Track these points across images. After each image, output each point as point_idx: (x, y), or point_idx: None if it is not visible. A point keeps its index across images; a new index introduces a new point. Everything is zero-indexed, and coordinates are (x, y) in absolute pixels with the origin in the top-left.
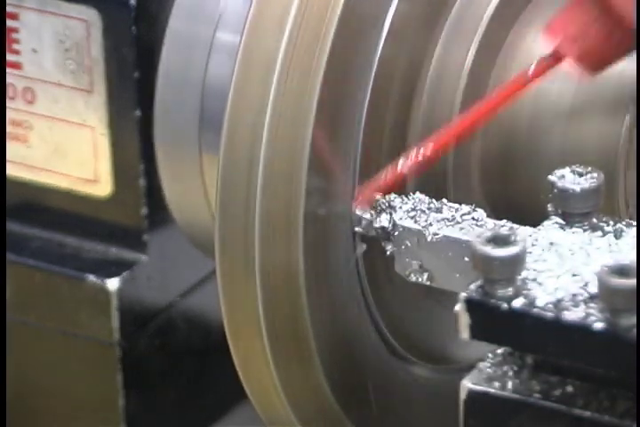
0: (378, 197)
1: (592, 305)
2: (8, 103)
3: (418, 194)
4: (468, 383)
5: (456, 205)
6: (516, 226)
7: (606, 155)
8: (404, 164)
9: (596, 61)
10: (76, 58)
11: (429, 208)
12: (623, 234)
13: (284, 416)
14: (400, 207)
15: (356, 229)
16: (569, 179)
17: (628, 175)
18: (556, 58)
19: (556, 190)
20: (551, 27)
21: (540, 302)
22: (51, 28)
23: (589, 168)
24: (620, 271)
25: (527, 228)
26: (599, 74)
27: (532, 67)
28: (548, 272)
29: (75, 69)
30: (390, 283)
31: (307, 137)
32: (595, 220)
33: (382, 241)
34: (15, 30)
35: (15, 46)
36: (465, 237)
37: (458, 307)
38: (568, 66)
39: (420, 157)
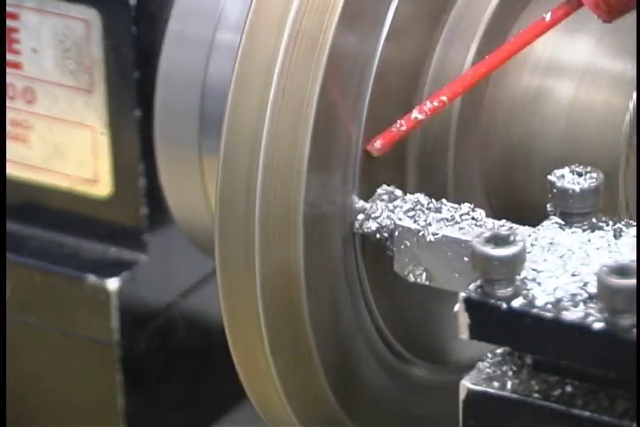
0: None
1: (591, 305)
2: (8, 103)
3: (417, 194)
4: (467, 383)
5: (455, 205)
6: (515, 226)
7: (606, 154)
8: (420, 110)
9: (612, 7)
10: (75, 58)
11: (429, 208)
12: (622, 234)
13: (284, 416)
14: (400, 207)
15: (356, 229)
16: (568, 179)
17: (628, 175)
18: (573, 3)
19: (555, 190)
20: None
21: (539, 302)
22: (51, 28)
23: (589, 168)
24: (620, 271)
25: (527, 228)
26: (615, 20)
27: (550, 13)
28: (548, 272)
29: (75, 69)
30: (390, 282)
31: (307, 136)
32: (594, 220)
33: (382, 241)
34: (15, 30)
35: (15, 46)
36: (464, 237)
37: (457, 307)
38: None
39: (437, 103)
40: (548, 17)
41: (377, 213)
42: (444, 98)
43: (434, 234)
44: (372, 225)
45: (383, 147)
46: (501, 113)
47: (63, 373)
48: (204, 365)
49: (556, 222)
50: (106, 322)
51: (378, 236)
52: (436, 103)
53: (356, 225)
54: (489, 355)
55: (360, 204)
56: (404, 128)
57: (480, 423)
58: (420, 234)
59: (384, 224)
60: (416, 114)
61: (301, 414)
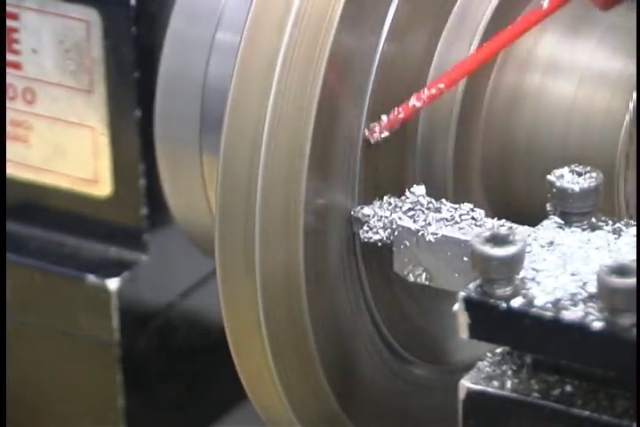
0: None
1: (591, 305)
2: (8, 103)
3: (417, 194)
4: (466, 383)
5: (455, 205)
6: (515, 225)
7: (606, 154)
8: (418, 98)
9: None
10: (75, 58)
11: (428, 208)
12: (622, 233)
13: (284, 416)
14: (400, 207)
15: (356, 230)
16: (568, 178)
17: (628, 175)
18: None
19: (554, 190)
20: None
21: (538, 302)
22: (51, 29)
23: (588, 168)
24: (620, 271)
25: (526, 227)
26: (612, 8)
27: (547, 1)
28: (547, 272)
29: (75, 69)
30: (390, 283)
31: (306, 137)
32: (594, 219)
33: (381, 241)
34: (15, 30)
35: (15, 46)
36: (464, 237)
37: (457, 306)
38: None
39: (435, 91)
40: (545, 5)
41: (376, 215)
42: (441, 85)
43: (433, 234)
44: (372, 226)
45: (380, 133)
46: (501, 112)
47: (63, 373)
48: (204, 365)
49: (556, 222)
50: (106, 322)
51: (377, 237)
52: (433, 91)
53: (356, 227)
54: (488, 354)
55: (360, 205)
56: (401, 115)
57: (480, 423)
58: (420, 234)
59: (383, 225)
60: (414, 101)
61: (301, 414)
